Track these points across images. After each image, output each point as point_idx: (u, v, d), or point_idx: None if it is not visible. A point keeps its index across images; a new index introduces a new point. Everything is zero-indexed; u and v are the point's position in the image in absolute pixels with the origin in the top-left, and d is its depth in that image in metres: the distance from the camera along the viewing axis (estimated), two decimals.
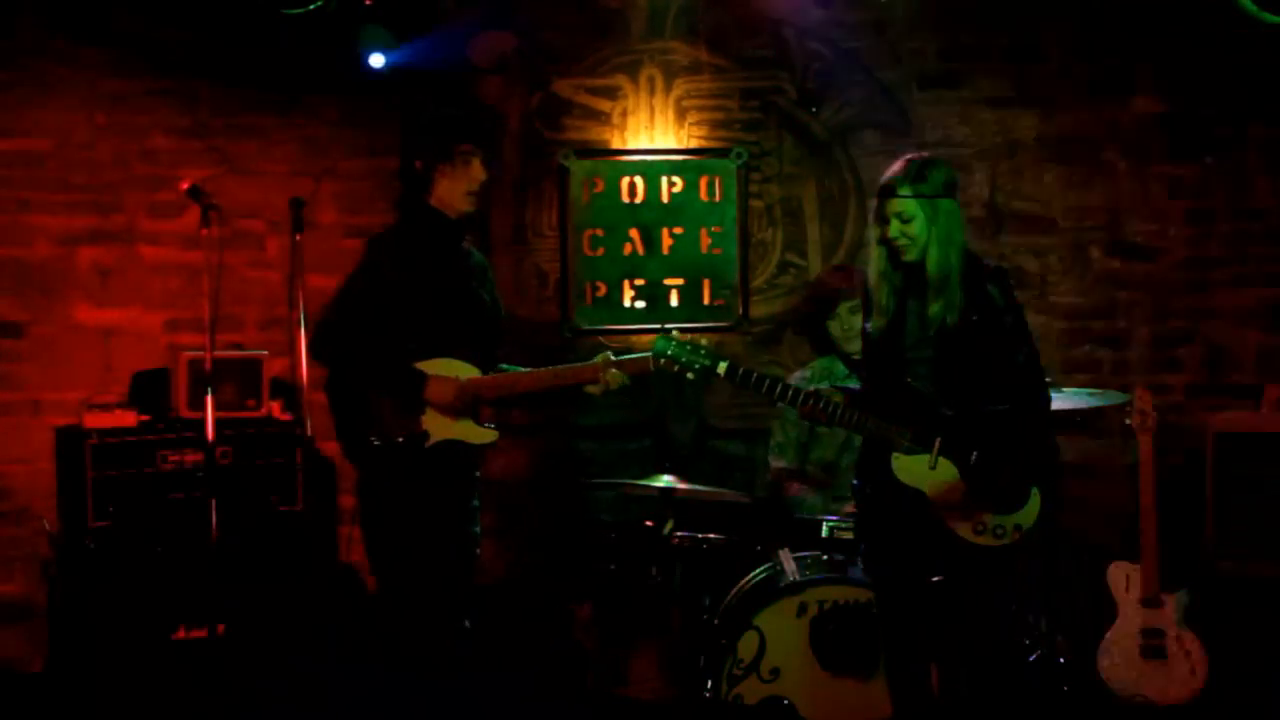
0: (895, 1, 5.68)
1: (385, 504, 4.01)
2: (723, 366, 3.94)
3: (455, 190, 4.08)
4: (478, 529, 4.17)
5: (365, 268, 4.04)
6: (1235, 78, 5.76)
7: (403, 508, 3.99)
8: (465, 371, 4.05)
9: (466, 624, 4.13)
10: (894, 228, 3.88)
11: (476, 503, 4.19)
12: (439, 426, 4.01)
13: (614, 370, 4.07)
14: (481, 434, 4.07)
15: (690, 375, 3.97)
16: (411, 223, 4.08)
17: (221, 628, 4.75)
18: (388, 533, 4.00)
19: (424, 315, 4.02)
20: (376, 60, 5.52)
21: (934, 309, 3.88)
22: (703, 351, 3.96)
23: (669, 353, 3.95)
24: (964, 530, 3.92)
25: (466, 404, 4.01)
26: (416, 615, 3.99)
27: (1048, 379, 4.15)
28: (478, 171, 4.10)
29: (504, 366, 4.23)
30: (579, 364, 4.18)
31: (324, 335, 4.05)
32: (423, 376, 3.99)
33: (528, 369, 4.22)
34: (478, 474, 4.18)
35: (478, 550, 4.17)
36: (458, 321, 4.08)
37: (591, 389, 4.11)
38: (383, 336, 3.97)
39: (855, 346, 4.51)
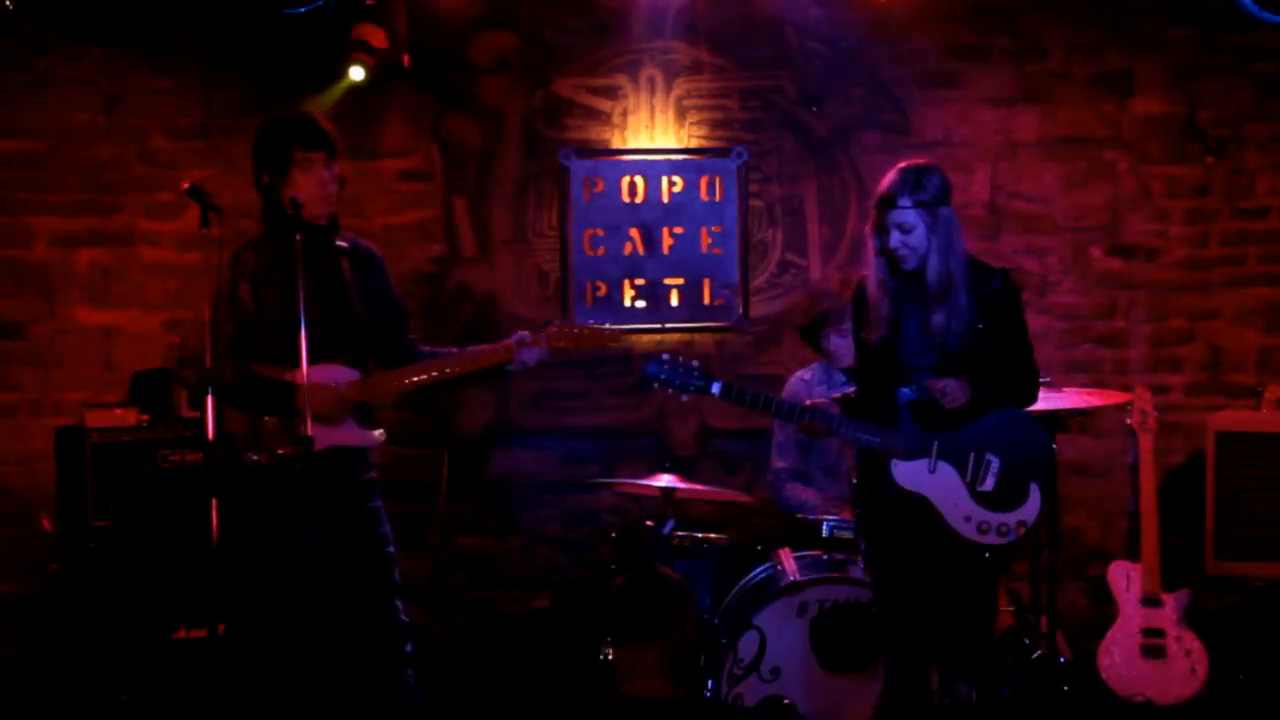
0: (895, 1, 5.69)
1: (273, 519, 3.99)
2: (716, 388, 3.95)
3: (305, 197, 4.01)
4: (385, 528, 4.07)
5: (221, 291, 4.02)
6: (1235, 77, 5.76)
7: (292, 520, 3.94)
8: (343, 375, 4.01)
9: (403, 618, 4.11)
10: (895, 238, 3.88)
11: (376, 503, 4.08)
12: (320, 434, 3.94)
13: (529, 348, 4.08)
14: (364, 436, 4.03)
15: (684, 398, 3.99)
16: (271, 234, 4.07)
17: (221, 628, 4.75)
18: (278, 546, 3.98)
19: (292, 324, 3.93)
20: (357, 73, 5.51)
21: (937, 318, 3.88)
22: (695, 372, 3.96)
23: (661, 377, 3.96)
24: (968, 531, 3.92)
25: (343, 408, 3.98)
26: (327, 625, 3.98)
27: (1045, 379, 4.16)
28: (322, 173, 4.05)
29: (424, 351, 4.20)
30: (489, 346, 4.14)
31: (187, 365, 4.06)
32: (292, 387, 3.93)
33: (436, 359, 4.15)
34: (372, 475, 4.09)
35: (390, 549, 4.13)
36: (332, 324, 4.01)
37: (512, 367, 4.12)
38: (251, 355, 3.96)
39: (844, 365, 4.75)
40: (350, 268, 4.13)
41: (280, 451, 3.92)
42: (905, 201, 3.85)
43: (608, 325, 4.19)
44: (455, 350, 4.19)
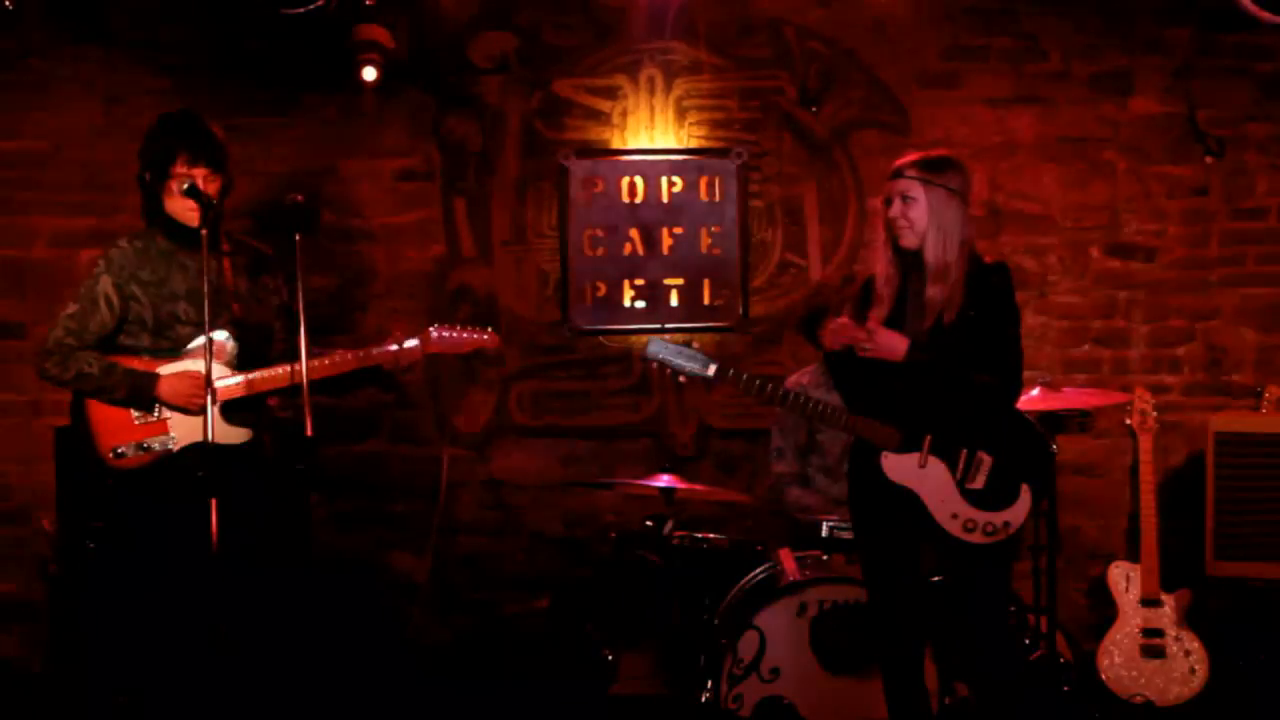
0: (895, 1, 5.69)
1: (140, 516, 4.00)
2: (712, 369, 3.96)
3: (181, 204, 4.02)
4: (260, 534, 4.08)
5: (92, 281, 4.05)
6: (1235, 77, 5.76)
7: (161, 518, 3.97)
8: (213, 370, 4.00)
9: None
10: (896, 207, 3.89)
11: (252, 507, 4.05)
12: (186, 429, 4.00)
13: (406, 350, 4.16)
14: (229, 433, 4.03)
15: (681, 379, 4.00)
16: (150, 228, 4.08)
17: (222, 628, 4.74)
18: (151, 540, 3.99)
19: (163, 318, 4.03)
20: (369, 73, 5.51)
21: (931, 293, 3.88)
22: (694, 354, 3.98)
23: (660, 357, 3.98)
24: (954, 528, 3.92)
25: (205, 400, 3.95)
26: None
27: (1047, 379, 4.15)
28: (201, 185, 4.03)
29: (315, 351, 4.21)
30: (369, 350, 4.19)
31: (46, 355, 4.05)
32: (153, 377, 3.99)
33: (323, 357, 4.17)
34: (249, 475, 4.08)
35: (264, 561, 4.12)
36: (212, 321, 3.98)
37: (388, 368, 4.19)
38: (114, 347, 4.02)
39: None
40: (231, 267, 4.12)
41: (145, 445, 3.98)
42: (911, 172, 3.87)
43: (488, 332, 4.30)
44: (341, 352, 4.19)
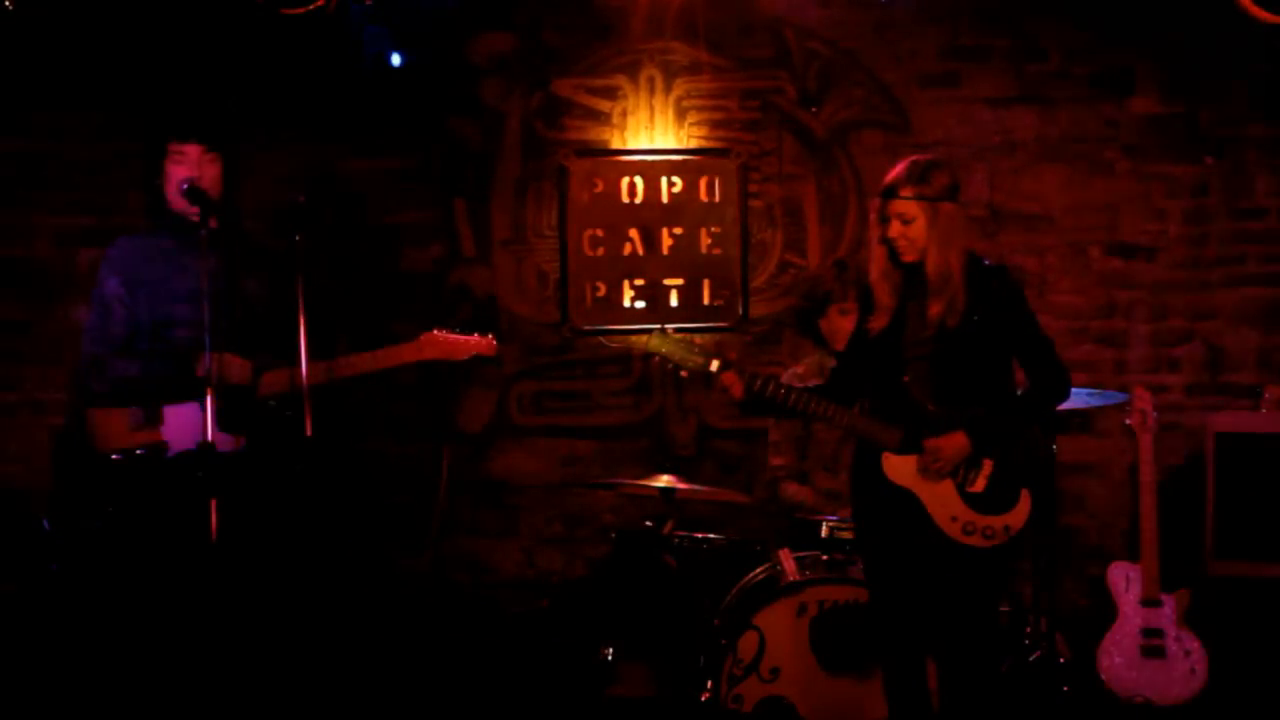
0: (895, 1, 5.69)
1: (129, 520, 3.99)
2: (715, 365, 3.97)
3: (170, 189, 3.94)
4: (249, 543, 4.06)
5: (97, 285, 4.06)
6: (1235, 78, 5.76)
7: (150, 522, 3.97)
8: (237, 367, 4.01)
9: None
10: (895, 228, 3.90)
11: (240, 517, 4.00)
12: (175, 439, 4.00)
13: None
14: (220, 440, 3.95)
15: (684, 374, 4.01)
16: (152, 229, 4.03)
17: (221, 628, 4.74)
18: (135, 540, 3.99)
19: (169, 322, 4.00)
20: (395, 59, 5.51)
21: (934, 309, 3.89)
22: (696, 350, 3.99)
23: (663, 351, 3.99)
24: (953, 531, 3.92)
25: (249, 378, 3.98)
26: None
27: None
28: (196, 168, 3.93)
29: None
30: (372, 354, 4.18)
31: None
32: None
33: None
34: (242, 486, 4.03)
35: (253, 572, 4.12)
36: (218, 321, 3.90)
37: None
38: (123, 349, 4.01)
39: (841, 347, 4.56)
40: (240, 266, 4.09)
41: (138, 451, 3.99)
42: (908, 192, 3.87)
43: (487, 336, 4.33)
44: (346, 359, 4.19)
